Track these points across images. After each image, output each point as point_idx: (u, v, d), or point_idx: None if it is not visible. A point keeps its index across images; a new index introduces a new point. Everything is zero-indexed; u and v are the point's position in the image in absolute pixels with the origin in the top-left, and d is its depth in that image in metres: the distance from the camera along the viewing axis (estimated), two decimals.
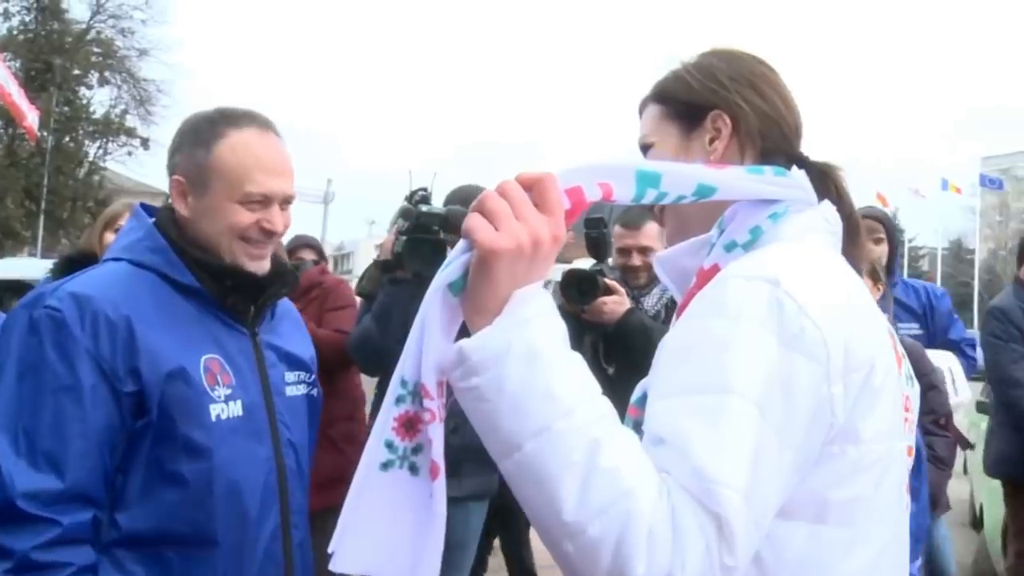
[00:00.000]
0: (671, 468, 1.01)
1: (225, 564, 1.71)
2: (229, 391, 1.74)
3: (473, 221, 1.02)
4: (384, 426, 1.06)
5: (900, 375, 1.28)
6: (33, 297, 1.70)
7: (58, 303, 1.64)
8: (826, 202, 1.33)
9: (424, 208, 3.09)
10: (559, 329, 1.04)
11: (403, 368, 1.06)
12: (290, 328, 2.03)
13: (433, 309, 1.03)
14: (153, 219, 1.86)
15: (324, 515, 3.22)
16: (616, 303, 3.15)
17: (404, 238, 3.08)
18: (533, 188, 1.04)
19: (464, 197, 3.38)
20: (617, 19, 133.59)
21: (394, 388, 1.06)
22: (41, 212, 26.17)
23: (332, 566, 1.05)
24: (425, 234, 3.07)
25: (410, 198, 3.18)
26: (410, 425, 1.05)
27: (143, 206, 1.93)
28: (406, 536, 1.05)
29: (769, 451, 1.03)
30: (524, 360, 0.99)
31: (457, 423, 3.05)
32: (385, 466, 1.05)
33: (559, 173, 1.08)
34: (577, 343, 3.35)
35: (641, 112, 1.45)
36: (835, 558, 1.13)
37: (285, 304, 2.04)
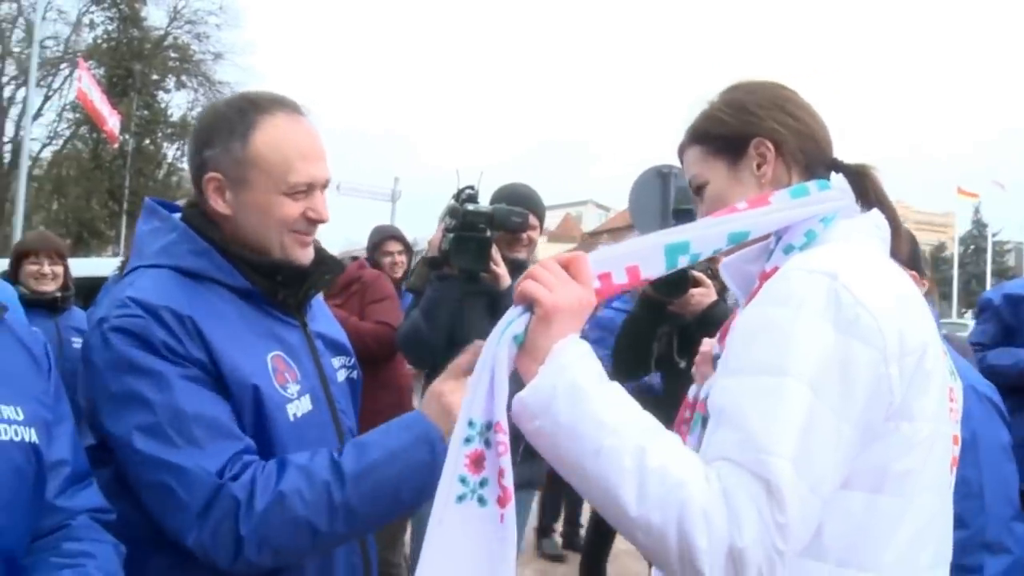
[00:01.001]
0: (726, 442, 1.17)
1: (315, 567, 1.70)
2: (297, 387, 1.70)
3: (529, 286, 1.25)
4: (456, 463, 1.21)
5: (944, 367, 1.39)
6: (97, 318, 1.62)
7: (127, 309, 1.57)
8: (875, 210, 1.45)
9: (470, 206, 3.17)
10: (595, 367, 1.22)
11: (470, 410, 1.22)
12: (323, 313, 1.98)
13: (503, 358, 1.22)
14: (179, 217, 1.77)
15: None
16: (703, 295, 3.18)
17: (451, 235, 3.17)
18: (569, 266, 1.28)
19: (509, 195, 3.46)
20: (676, 23, 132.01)
21: (462, 429, 1.22)
22: (123, 212, 27.14)
23: None
24: (471, 232, 3.16)
25: (457, 196, 3.25)
26: (479, 461, 1.21)
27: (155, 200, 1.83)
28: (481, 560, 1.19)
29: (823, 425, 1.16)
30: (569, 398, 1.18)
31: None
32: (460, 498, 1.20)
33: (592, 257, 1.30)
34: (653, 335, 3.40)
35: (681, 156, 1.58)
36: (889, 525, 1.25)
37: None
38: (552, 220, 65.00)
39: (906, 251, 1.54)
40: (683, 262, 1.33)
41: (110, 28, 31.18)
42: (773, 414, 1.16)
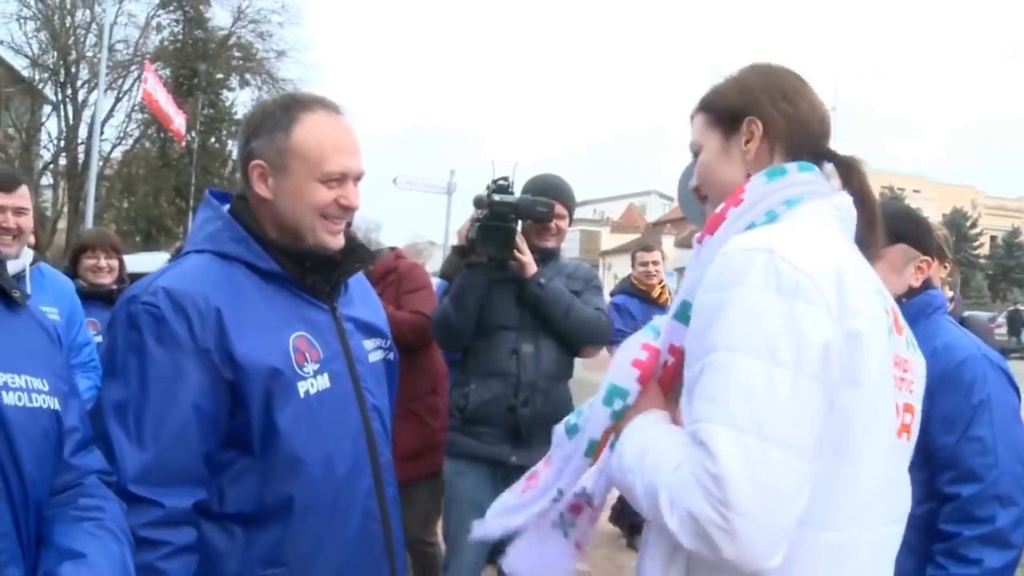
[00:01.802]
0: (689, 423, 1.31)
1: (326, 526, 1.82)
2: (317, 366, 1.84)
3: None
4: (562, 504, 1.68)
5: (899, 338, 1.48)
6: (131, 294, 1.79)
7: (153, 298, 1.73)
8: (843, 193, 1.54)
9: (497, 197, 3.28)
10: (634, 439, 1.45)
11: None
12: (362, 298, 2.12)
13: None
14: (227, 207, 1.96)
15: (412, 486, 3.44)
16: None
17: (478, 224, 3.29)
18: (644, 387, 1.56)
19: (538, 186, 3.53)
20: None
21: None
22: (190, 209, 27.83)
23: (504, 566, 1.72)
24: (498, 221, 3.27)
25: (489, 187, 3.36)
26: (577, 508, 1.70)
27: (213, 192, 2.01)
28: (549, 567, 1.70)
29: (776, 385, 1.25)
30: (616, 464, 1.46)
31: (527, 396, 3.24)
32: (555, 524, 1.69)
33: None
34: None
35: (692, 120, 1.68)
36: (841, 488, 1.34)
37: (355, 276, 2.12)
38: (616, 210, 64.74)
39: (875, 240, 1.56)
40: None
41: (176, 30, 32.03)
42: (716, 387, 1.29)
